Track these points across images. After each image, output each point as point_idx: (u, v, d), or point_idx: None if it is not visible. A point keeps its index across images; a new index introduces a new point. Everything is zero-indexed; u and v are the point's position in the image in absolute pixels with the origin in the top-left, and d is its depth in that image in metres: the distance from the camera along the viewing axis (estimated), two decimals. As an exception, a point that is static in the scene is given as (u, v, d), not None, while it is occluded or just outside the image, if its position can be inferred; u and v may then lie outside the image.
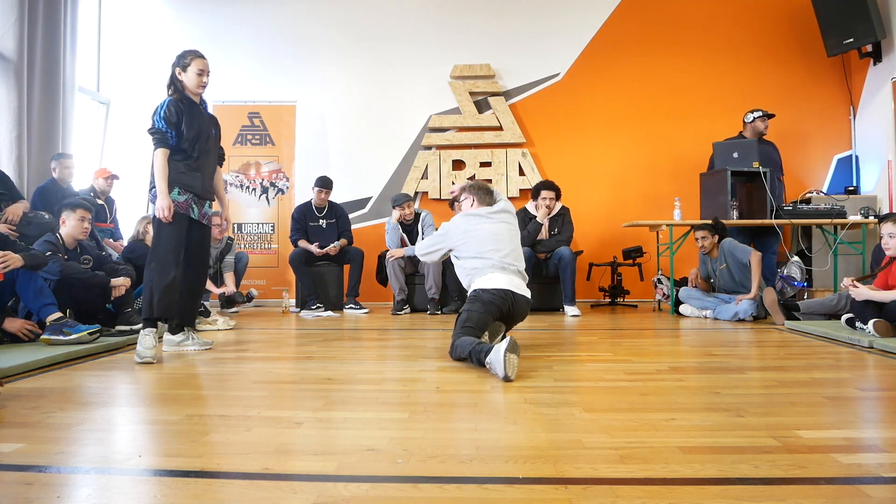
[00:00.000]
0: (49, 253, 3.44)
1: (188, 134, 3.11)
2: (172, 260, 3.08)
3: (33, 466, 1.42)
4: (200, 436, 1.72)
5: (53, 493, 1.27)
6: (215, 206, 3.55)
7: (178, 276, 3.10)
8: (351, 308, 5.48)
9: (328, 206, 5.82)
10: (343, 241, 5.72)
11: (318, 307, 5.40)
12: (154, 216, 3.12)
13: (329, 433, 1.70)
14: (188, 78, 3.14)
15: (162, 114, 3.06)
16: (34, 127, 4.94)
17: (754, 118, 5.37)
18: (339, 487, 1.29)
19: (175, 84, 3.16)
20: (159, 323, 3.07)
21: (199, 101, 3.25)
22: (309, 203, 5.83)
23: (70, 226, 3.67)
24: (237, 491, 1.29)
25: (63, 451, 1.54)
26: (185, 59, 3.14)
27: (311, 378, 2.50)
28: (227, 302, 5.36)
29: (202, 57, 3.18)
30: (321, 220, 5.77)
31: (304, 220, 5.77)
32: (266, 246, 6.31)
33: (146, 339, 2.88)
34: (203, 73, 3.16)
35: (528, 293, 2.94)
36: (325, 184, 5.74)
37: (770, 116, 5.39)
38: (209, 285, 5.30)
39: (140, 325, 3.06)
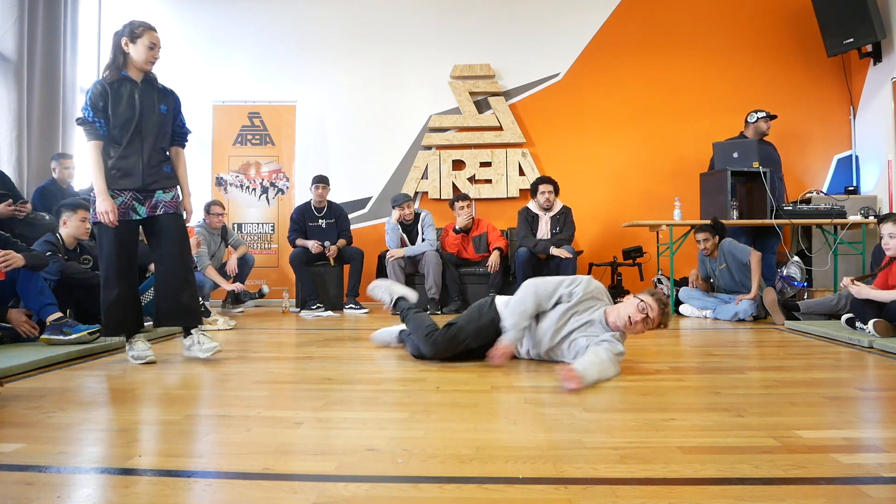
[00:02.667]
0: (49, 253, 3.44)
1: (117, 120, 2.75)
2: (115, 275, 2.80)
3: (33, 466, 1.42)
4: (200, 436, 1.72)
5: (53, 493, 1.27)
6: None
7: (124, 290, 2.83)
8: (351, 308, 5.47)
9: (327, 206, 5.81)
10: (342, 242, 5.72)
11: (318, 307, 5.40)
12: (93, 223, 2.83)
13: (329, 433, 1.70)
14: (137, 51, 2.78)
15: (88, 100, 2.73)
16: (34, 127, 4.94)
17: (758, 118, 5.37)
18: (339, 487, 1.29)
19: (115, 58, 2.79)
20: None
21: (144, 77, 2.87)
22: (308, 203, 5.83)
23: (72, 227, 3.66)
24: (237, 491, 1.29)
25: (63, 451, 1.54)
26: (137, 29, 2.79)
27: (311, 378, 2.50)
28: (235, 300, 5.36)
29: (155, 30, 2.86)
30: (321, 220, 5.77)
31: (302, 220, 5.77)
32: (266, 246, 6.31)
33: (137, 344, 2.83)
34: (155, 46, 2.82)
35: None
36: (321, 178, 5.76)
37: (773, 118, 5.40)
38: (219, 280, 5.31)
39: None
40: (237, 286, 5.34)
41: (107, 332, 2.90)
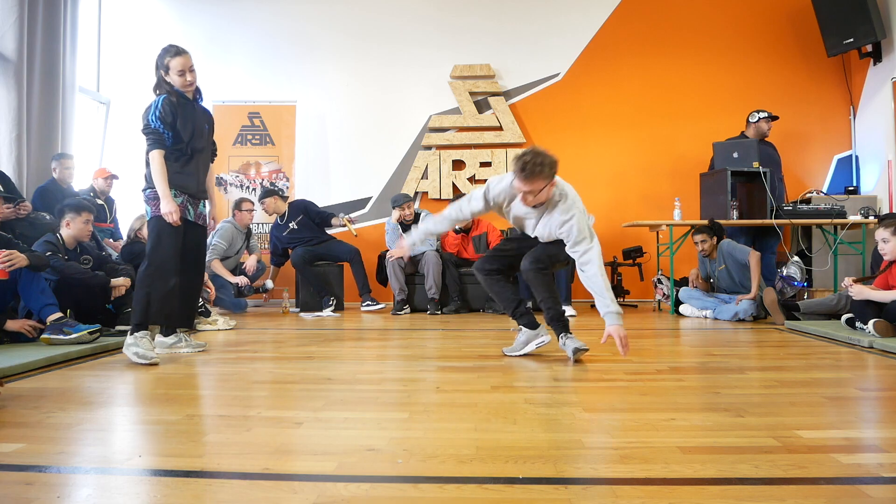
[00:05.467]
0: (49, 253, 3.43)
1: (184, 133, 2.99)
2: (172, 266, 2.99)
3: (33, 466, 1.42)
4: (200, 436, 1.72)
5: (53, 493, 1.27)
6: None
7: (177, 282, 3.02)
8: (368, 305, 5.44)
9: (287, 209, 5.74)
10: (346, 219, 5.63)
11: (334, 301, 5.40)
12: (150, 218, 3.01)
13: (329, 433, 1.70)
14: (173, 80, 2.98)
15: (157, 113, 2.92)
16: (34, 127, 4.94)
17: (759, 119, 5.37)
18: (339, 487, 1.29)
19: (163, 85, 3.00)
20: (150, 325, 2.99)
21: (194, 96, 3.11)
22: (274, 221, 5.82)
23: (75, 228, 3.65)
24: (237, 491, 1.29)
25: (63, 451, 1.54)
26: (164, 59, 2.95)
27: (311, 378, 2.50)
28: (238, 293, 5.37)
29: (181, 54, 2.96)
30: (290, 223, 5.70)
31: (277, 235, 5.75)
32: (266, 246, 6.30)
33: (143, 341, 2.83)
34: (184, 72, 2.96)
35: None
36: (262, 194, 5.73)
37: (774, 118, 5.39)
38: (224, 273, 5.33)
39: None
40: (241, 279, 5.35)
41: (157, 320, 3.00)
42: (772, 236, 5.16)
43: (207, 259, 5.21)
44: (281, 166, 6.39)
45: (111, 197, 5.18)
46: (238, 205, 5.55)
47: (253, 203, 5.68)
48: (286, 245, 5.74)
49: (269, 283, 5.61)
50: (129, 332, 2.89)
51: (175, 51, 2.96)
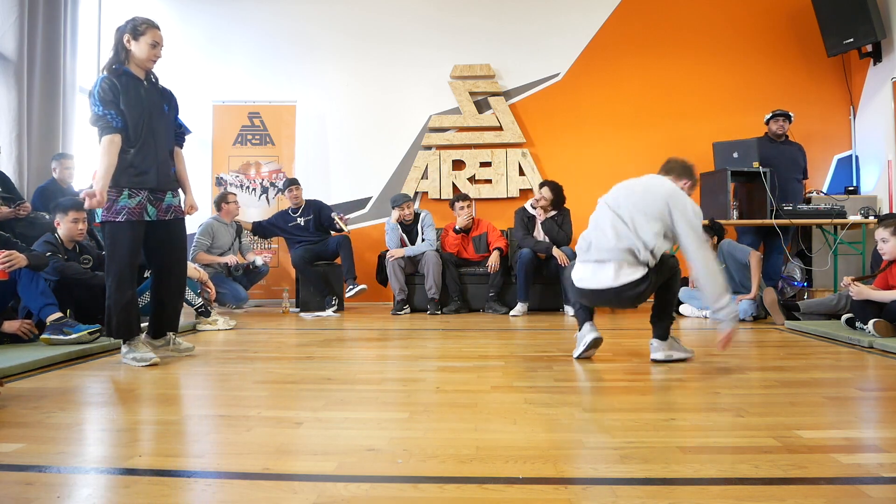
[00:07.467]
0: (49, 253, 3.43)
1: (129, 115, 2.72)
2: (129, 276, 2.78)
3: (33, 466, 1.42)
4: (200, 436, 1.72)
5: (53, 493, 1.27)
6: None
7: (134, 291, 2.83)
8: (350, 289, 5.43)
9: (304, 204, 5.77)
10: (338, 217, 5.62)
11: (336, 300, 5.39)
12: (101, 223, 2.77)
13: (329, 433, 1.70)
14: (139, 48, 2.76)
15: (97, 97, 2.67)
16: (34, 127, 4.93)
17: (767, 119, 5.39)
18: (339, 487, 1.29)
19: (117, 54, 2.77)
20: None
21: (146, 76, 2.86)
22: (286, 209, 5.84)
23: (64, 228, 3.64)
24: (237, 491, 1.29)
25: (63, 451, 1.54)
26: (140, 27, 2.77)
27: (311, 378, 2.50)
28: (227, 272, 5.37)
29: (158, 28, 2.84)
30: (299, 218, 5.72)
31: (281, 221, 5.76)
32: (266, 246, 6.30)
33: (136, 345, 2.80)
34: (157, 45, 2.81)
35: (614, 282, 2.76)
36: (294, 181, 5.77)
37: (781, 115, 5.38)
38: (212, 259, 5.32)
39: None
40: (230, 258, 5.35)
41: (118, 334, 2.81)
42: (779, 236, 5.16)
43: (191, 254, 5.23)
44: (281, 166, 6.39)
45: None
46: (224, 197, 5.56)
47: (236, 195, 5.72)
48: (281, 234, 5.75)
49: (259, 260, 5.57)
50: (121, 344, 2.86)
51: (154, 23, 2.84)
